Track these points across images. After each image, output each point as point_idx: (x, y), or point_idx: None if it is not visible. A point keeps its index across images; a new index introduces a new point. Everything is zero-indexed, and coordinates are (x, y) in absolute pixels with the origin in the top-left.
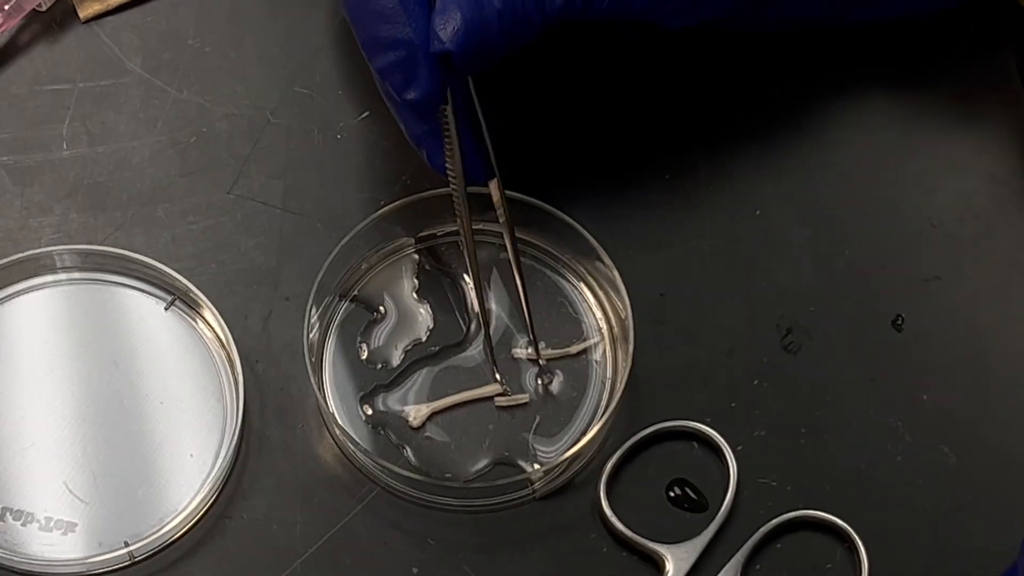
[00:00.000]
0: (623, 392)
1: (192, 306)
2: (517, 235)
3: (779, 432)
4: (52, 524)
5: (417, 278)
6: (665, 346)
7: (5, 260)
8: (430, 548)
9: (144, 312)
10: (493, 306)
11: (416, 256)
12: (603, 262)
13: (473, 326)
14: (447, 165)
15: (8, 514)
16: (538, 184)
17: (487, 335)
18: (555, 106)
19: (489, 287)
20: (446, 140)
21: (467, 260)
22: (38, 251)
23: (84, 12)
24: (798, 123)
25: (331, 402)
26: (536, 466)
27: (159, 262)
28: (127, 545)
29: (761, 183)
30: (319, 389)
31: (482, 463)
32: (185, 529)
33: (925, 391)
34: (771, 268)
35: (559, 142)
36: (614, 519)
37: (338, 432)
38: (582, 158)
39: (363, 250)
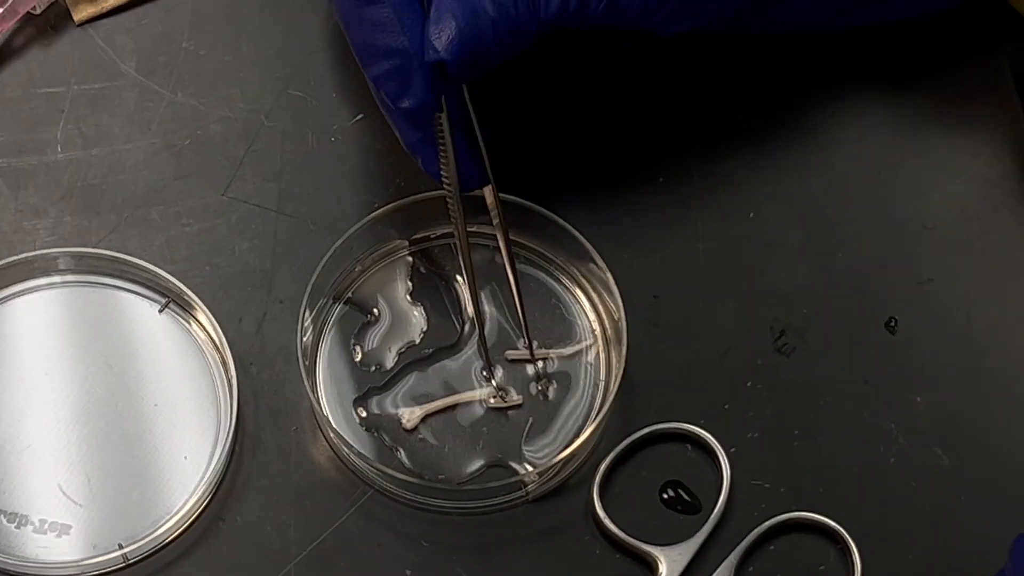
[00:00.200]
0: (616, 394)
1: (186, 308)
2: (511, 237)
3: (772, 434)
4: (47, 526)
5: (411, 280)
6: (659, 348)
7: None
8: (424, 550)
9: (138, 315)
10: (487, 309)
11: (410, 259)
12: (596, 264)
13: (467, 328)
14: (442, 172)
15: (2, 516)
16: (532, 186)
17: (481, 337)
18: (549, 109)
19: (483, 290)
20: (441, 147)
21: (462, 264)
22: (32, 254)
23: (78, 15)
24: (792, 125)
25: (325, 404)
26: (529, 468)
27: (153, 265)
28: (121, 547)
29: (755, 185)
30: (313, 391)
31: (476, 465)
32: (179, 531)
33: (919, 393)
34: (765, 270)
35: (553, 144)
36: (607, 521)
37: (332, 434)
38: (576, 160)
39: (357, 253)
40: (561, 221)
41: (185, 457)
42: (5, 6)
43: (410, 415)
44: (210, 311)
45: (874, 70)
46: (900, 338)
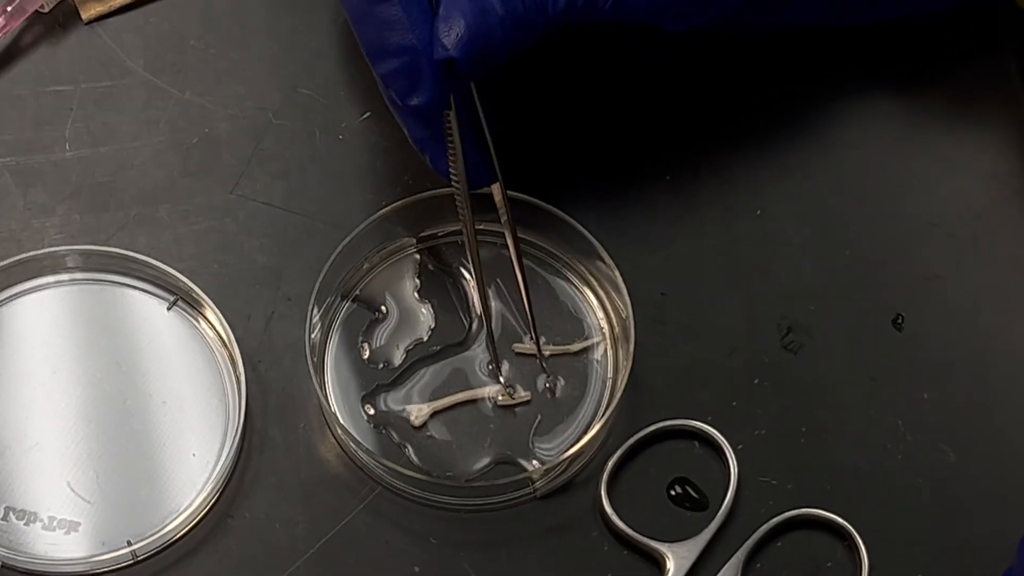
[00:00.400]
0: (624, 391)
1: (194, 306)
2: (518, 235)
3: (779, 431)
4: (55, 524)
5: (419, 278)
6: (666, 345)
7: (8, 261)
8: (432, 547)
9: (147, 312)
10: (495, 305)
11: (418, 256)
12: (604, 262)
13: (475, 325)
14: (450, 169)
15: (11, 514)
16: (539, 184)
17: (490, 334)
18: (556, 107)
19: (491, 287)
20: (449, 145)
21: (470, 262)
22: (41, 252)
23: (86, 13)
24: (799, 123)
25: (333, 402)
26: (537, 465)
27: (161, 262)
28: (130, 544)
29: (762, 183)
30: (321, 389)
31: (483, 462)
32: (188, 528)
33: (925, 390)
34: (772, 267)
35: (560, 142)
36: (615, 518)
37: (340, 431)
38: (583, 158)
39: (365, 250)
40: (569, 219)
41: (193, 454)
42: (13, 4)
43: (418, 412)
44: (218, 309)
45: (880, 68)
46: (907, 335)
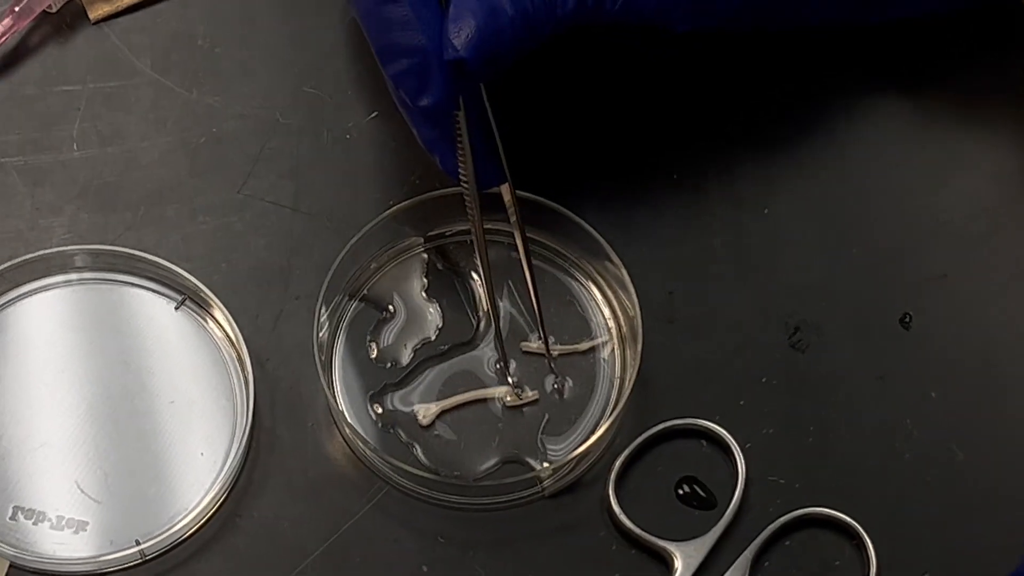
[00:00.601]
0: (632, 390)
1: (202, 305)
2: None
3: (787, 430)
4: (63, 523)
5: (426, 277)
6: (673, 344)
7: (16, 260)
8: (440, 546)
9: (154, 312)
10: (502, 305)
11: (425, 255)
12: (611, 261)
13: (482, 325)
14: (459, 170)
15: (20, 513)
16: (546, 183)
17: (498, 333)
18: (563, 106)
19: (499, 287)
20: (458, 145)
21: (479, 261)
22: (49, 251)
23: (94, 13)
24: (807, 122)
25: (341, 401)
26: (545, 464)
27: (169, 262)
28: (138, 544)
29: (769, 181)
30: (329, 388)
31: (491, 461)
32: (196, 527)
33: (933, 388)
34: (779, 266)
35: (567, 141)
36: (623, 517)
37: (348, 431)
38: (590, 157)
39: (372, 249)
40: (576, 218)
41: (201, 453)
42: (21, 4)
43: (426, 411)
44: (226, 308)
45: (888, 66)
46: (915, 333)
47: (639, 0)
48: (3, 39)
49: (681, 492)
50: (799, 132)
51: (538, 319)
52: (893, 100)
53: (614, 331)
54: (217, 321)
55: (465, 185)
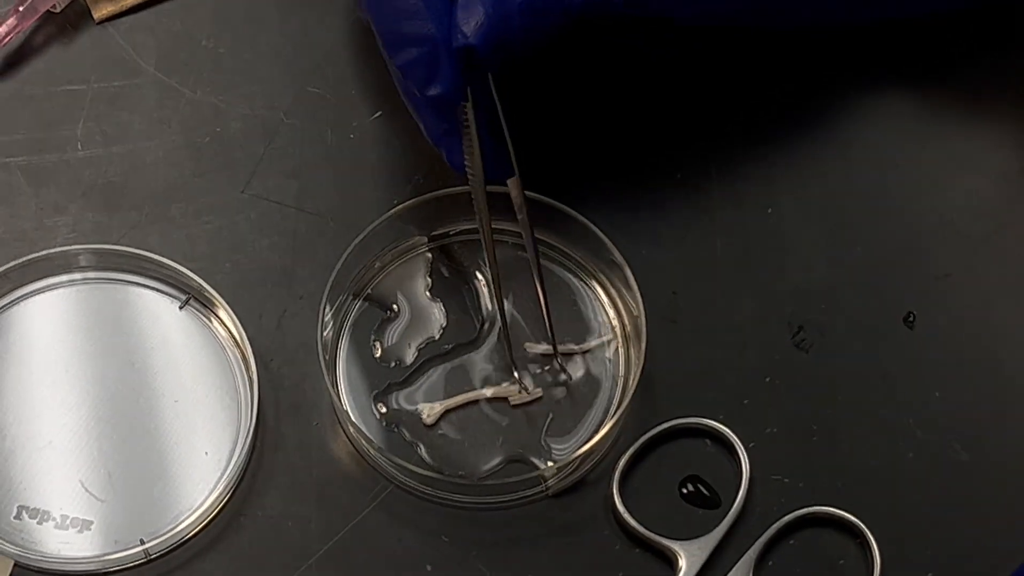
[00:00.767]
0: (636, 390)
1: (207, 305)
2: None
3: (791, 429)
4: (68, 522)
5: (430, 276)
6: (677, 344)
7: (20, 260)
8: (444, 545)
9: (159, 311)
10: (507, 305)
11: (429, 255)
12: (615, 260)
13: (486, 324)
14: (466, 163)
15: (24, 512)
16: (551, 183)
17: (505, 331)
18: (568, 108)
19: (505, 286)
20: (466, 139)
21: (486, 258)
22: (53, 251)
23: (98, 13)
24: (810, 121)
25: (345, 400)
26: (549, 463)
27: (174, 261)
28: (143, 543)
29: (773, 181)
30: (333, 387)
31: (495, 460)
32: (200, 527)
33: (937, 388)
34: (783, 266)
35: (572, 142)
36: (627, 516)
37: (352, 430)
38: (595, 157)
39: (376, 249)
40: (581, 218)
41: (206, 453)
42: (25, 4)
43: (430, 410)
44: (230, 307)
45: (892, 66)
46: (918, 333)
47: None
48: (7, 39)
49: (685, 491)
50: (802, 132)
51: (545, 316)
52: (896, 100)
53: (618, 330)
54: (221, 320)
55: (472, 179)
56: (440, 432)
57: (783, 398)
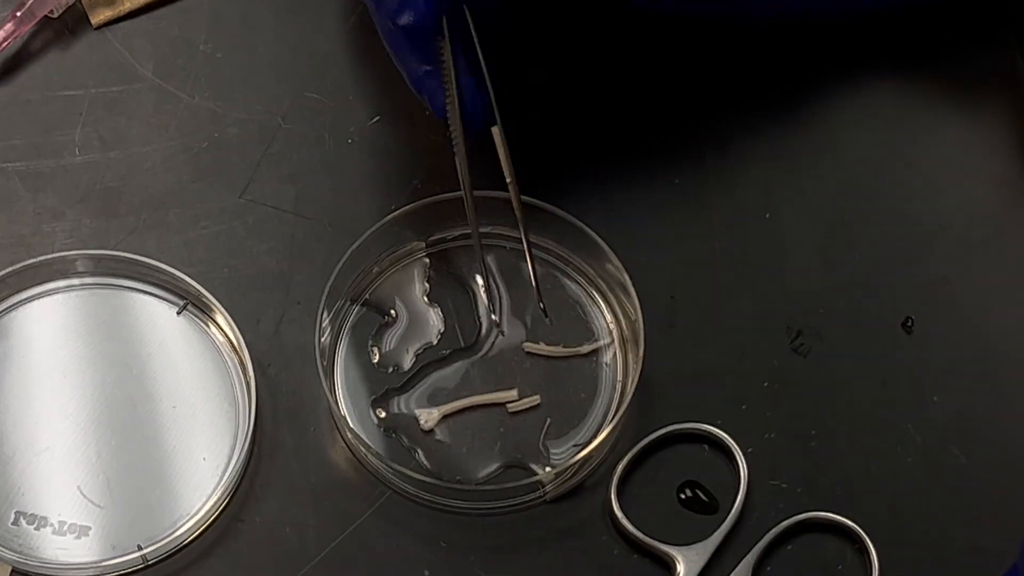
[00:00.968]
0: (633, 395)
1: (204, 310)
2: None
3: (789, 434)
4: (66, 528)
5: (428, 282)
6: (675, 348)
7: (18, 265)
8: (442, 550)
9: (156, 316)
10: (505, 308)
11: (427, 260)
12: (613, 265)
13: (484, 329)
14: (447, 107)
15: (22, 518)
16: (548, 187)
17: (483, 263)
18: (565, 110)
19: (501, 284)
20: (444, 81)
21: (467, 211)
22: (51, 256)
23: (96, 18)
24: (808, 126)
25: (343, 405)
26: (547, 469)
27: (171, 267)
28: (140, 548)
29: (771, 186)
30: (331, 393)
31: (493, 466)
32: (198, 532)
33: (935, 393)
34: (781, 270)
35: (569, 146)
36: (625, 521)
37: (350, 435)
38: (592, 161)
39: (374, 254)
40: (578, 222)
41: (204, 458)
42: (23, 10)
43: (428, 416)
44: (228, 313)
45: (890, 71)
46: (917, 338)
47: None
48: (5, 44)
49: (683, 496)
50: (800, 137)
51: (531, 271)
52: (894, 105)
53: (616, 335)
54: (219, 326)
55: (453, 127)
56: (438, 438)
57: (781, 403)
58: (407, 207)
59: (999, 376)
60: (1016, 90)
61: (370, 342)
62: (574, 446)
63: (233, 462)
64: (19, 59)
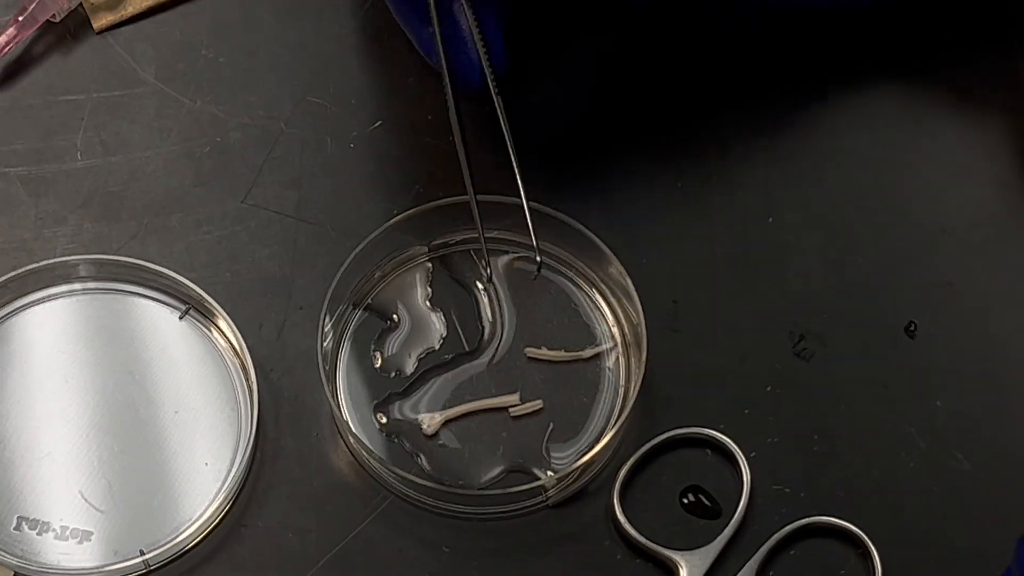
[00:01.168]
0: (636, 399)
1: (206, 315)
2: (528, 243)
3: (792, 439)
4: (68, 533)
5: (430, 286)
6: (678, 353)
7: (20, 270)
8: (444, 555)
9: (159, 321)
10: (506, 312)
11: (429, 264)
12: (616, 268)
13: (486, 334)
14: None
15: (24, 523)
16: (550, 191)
17: (475, 206)
18: (568, 114)
19: (501, 292)
20: (437, 30)
21: (460, 162)
22: (53, 261)
23: (97, 23)
24: (810, 129)
25: (345, 410)
26: (549, 473)
27: (173, 271)
28: (142, 554)
29: (773, 189)
30: (333, 397)
31: (496, 471)
32: (200, 537)
33: (938, 397)
34: (784, 275)
35: (572, 150)
36: (628, 526)
37: (352, 440)
38: (594, 164)
39: (376, 259)
40: (580, 226)
41: (206, 463)
42: (25, 14)
43: (430, 421)
44: (230, 318)
45: (892, 74)
46: (920, 342)
47: None
48: (7, 49)
49: (686, 501)
50: (802, 140)
51: (529, 220)
52: (896, 109)
53: (618, 339)
54: (221, 331)
55: (438, 67)
56: (440, 442)
57: (784, 407)
58: (409, 211)
59: (1002, 380)
60: (1018, 92)
61: (372, 347)
62: (576, 451)
63: (235, 467)
64: (21, 64)
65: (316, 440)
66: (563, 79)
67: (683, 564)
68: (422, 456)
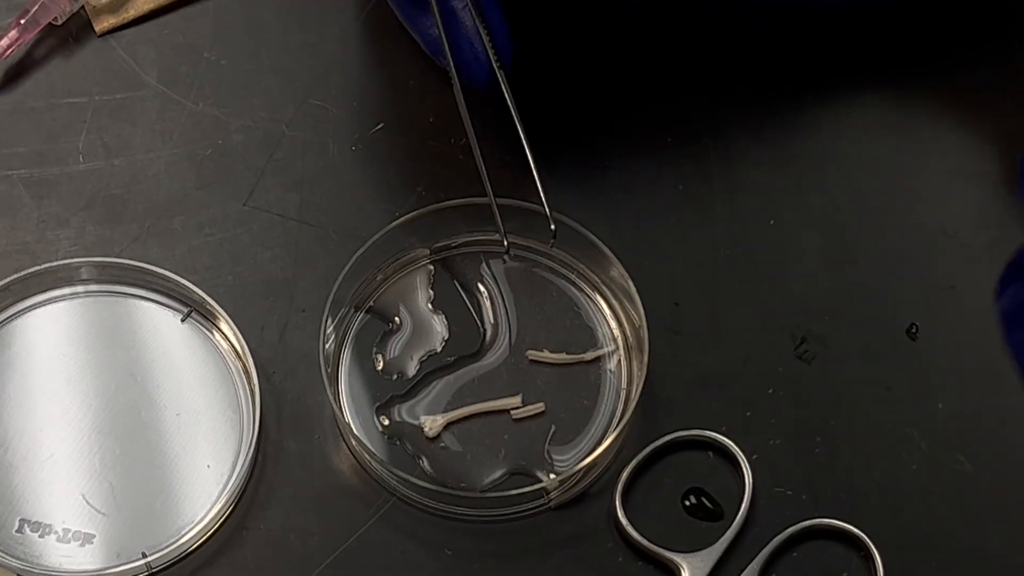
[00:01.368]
0: (638, 401)
1: (208, 318)
2: (531, 246)
3: (794, 441)
4: (70, 535)
5: (432, 288)
6: (680, 355)
7: (22, 273)
8: (446, 558)
9: (161, 324)
10: (510, 314)
11: (431, 267)
12: (617, 271)
13: (488, 336)
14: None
15: (26, 526)
16: (552, 194)
17: (486, 182)
18: (569, 116)
19: (503, 296)
20: (441, 27)
21: (471, 143)
22: (55, 264)
23: (100, 26)
24: (812, 132)
25: (347, 413)
26: (551, 476)
27: (175, 274)
28: (145, 556)
29: (775, 192)
30: (335, 400)
31: (497, 473)
32: (202, 540)
33: (940, 399)
34: (786, 277)
35: (572, 152)
36: (630, 528)
37: (354, 443)
38: (595, 167)
39: (378, 261)
40: (582, 229)
41: (208, 466)
42: (27, 17)
43: (432, 423)
44: (232, 320)
45: (894, 77)
46: (921, 344)
47: None
48: (9, 52)
49: (688, 503)
50: (804, 143)
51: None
52: (899, 111)
53: (620, 342)
54: (223, 333)
55: (443, 62)
56: (442, 445)
57: (786, 410)
58: (411, 214)
59: (1005, 382)
60: (1020, 93)
61: (374, 349)
62: (578, 453)
63: (237, 469)
64: (23, 66)
65: (318, 442)
66: (563, 81)
67: (685, 566)
68: (424, 458)
